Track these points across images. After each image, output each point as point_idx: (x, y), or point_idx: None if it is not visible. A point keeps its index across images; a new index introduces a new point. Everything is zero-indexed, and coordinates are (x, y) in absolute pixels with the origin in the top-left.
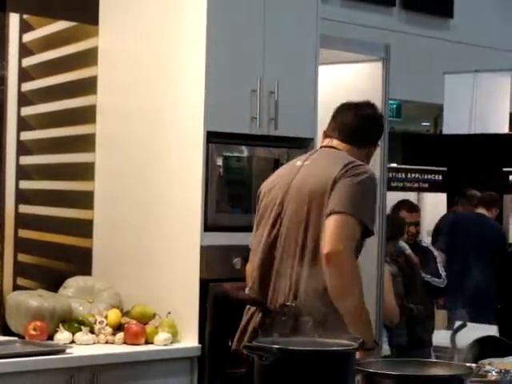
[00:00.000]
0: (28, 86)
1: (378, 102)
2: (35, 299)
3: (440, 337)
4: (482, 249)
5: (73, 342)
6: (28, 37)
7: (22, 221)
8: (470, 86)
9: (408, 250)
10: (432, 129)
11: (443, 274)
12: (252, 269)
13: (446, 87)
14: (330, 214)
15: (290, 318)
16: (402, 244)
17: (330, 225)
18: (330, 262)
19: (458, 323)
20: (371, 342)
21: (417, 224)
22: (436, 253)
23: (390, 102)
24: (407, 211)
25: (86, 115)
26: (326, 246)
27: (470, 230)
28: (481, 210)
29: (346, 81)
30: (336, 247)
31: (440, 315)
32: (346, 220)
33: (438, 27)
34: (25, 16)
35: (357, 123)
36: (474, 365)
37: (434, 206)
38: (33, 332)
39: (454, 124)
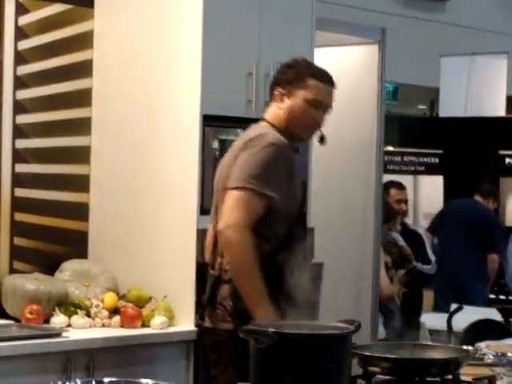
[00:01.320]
0: (23, 70)
1: (374, 84)
2: (31, 283)
3: (436, 320)
4: (470, 232)
5: (69, 325)
6: (23, 20)
7: (17, 204)
8: (467, 68)
9: (401, 242)
10: (428, 112)
11: (432, 258)
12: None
13: (442, 70)
14: (226, 190)
15: (210, 278)
16: (396, 235)
17: (225, 202)
18: (220, 238)
19: (454, 306)
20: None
21: (406, 201)
22: (424, 236)
23: (387, 84)
24: (397, 189)
25: (82, 98)
26: (218, 223)
27: (459, 215)
28: (477, 198)
29: (342, 64)
30: (225, 223)
31: (426, 296)
32: (240, 195)
33: (434, 10)
34: None
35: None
36: (470, 347)
37: (430, 188)
38: (29, 315)
39: (451, 107)
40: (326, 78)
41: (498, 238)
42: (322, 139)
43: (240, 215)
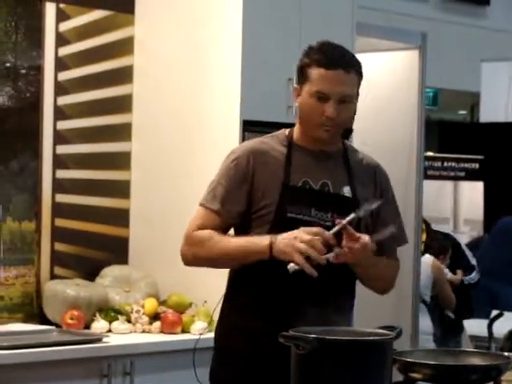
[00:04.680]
0: (64, 76)
1: (414, 90)
2: (72, 288)
3: (476, 326)
4: None
5: (109, 331)
6: (64, 26)
7: (58, 210)
8: (507, 73)
9: (449, 275)
10: (468, 117)
11: (474, 262)
12: None
13: (482, 75)
14: None
15: None
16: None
17: None
18: None
19: (494, 312)
20: None
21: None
22: (463, 245)
23: (427, 90)
24: None
25: (123, 104)
26: None
27: (503, 227)
28: None
29: (382, 69)
30: None
31: None
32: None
33: (474, 15)
34: (61, 5)
35: None
36: (511, 354)
37: (470, 194)
38: (70, 321)
39: (491, 112)
40: (328, 62)
41: None
42: (344, 133)
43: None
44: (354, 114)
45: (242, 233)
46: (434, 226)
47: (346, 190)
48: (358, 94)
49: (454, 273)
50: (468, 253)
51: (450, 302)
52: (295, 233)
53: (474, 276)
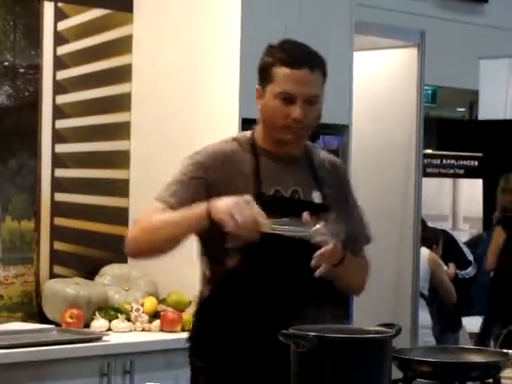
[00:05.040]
0: (63, 74)
1: (412, 87)
2: (72, 287)
3: (476, 323)
4: None
5: (109, 329)
6: (63, 25)
7: (57, 209)
8: (506, 71)
9: (444, 266)
10: (467, 114)
11: (470, 257)
12: None
13: (481, 72)
14: None
15: None
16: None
17: None
18: None
19: None
20: None
21: None
22: (460, 241)
23: (425, 87)
24: None
25: (121, 103)
26: None
27: None
28: None
29: (380, 67)
30: None
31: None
32: None
33: (472, 12)
34: (59, 4)
35: None
36: (510, 351)
37: (469, 192)
38: (69, 320)
39: (490, 109)
40: (293, 61)
41: None
42: (312, 136)
43: None
44: (320, 114)
45: (216, 246)
46: (431, 224)
47: (316, 196)
48: (323, 94)
49: (447, 266)
50: (465, 249)
51: (450, 295)
52: (237, 204)
53: (469, 271)
